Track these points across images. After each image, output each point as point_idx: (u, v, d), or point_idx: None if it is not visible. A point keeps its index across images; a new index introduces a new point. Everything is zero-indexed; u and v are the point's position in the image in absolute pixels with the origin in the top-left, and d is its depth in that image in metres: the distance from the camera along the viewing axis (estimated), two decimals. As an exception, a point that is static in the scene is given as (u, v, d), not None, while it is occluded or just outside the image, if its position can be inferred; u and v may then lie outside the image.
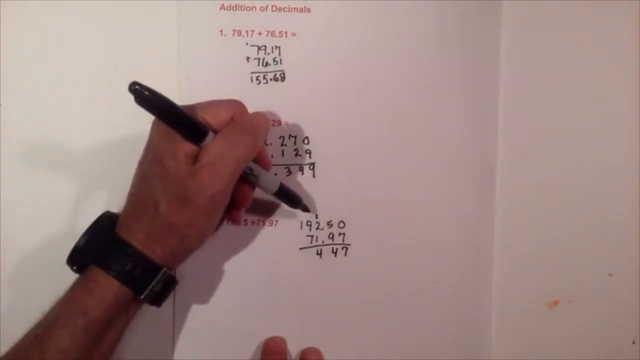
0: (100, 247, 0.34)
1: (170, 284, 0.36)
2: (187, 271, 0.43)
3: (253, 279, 0.43)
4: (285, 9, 0.43)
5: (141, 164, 0.36)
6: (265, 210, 0.43)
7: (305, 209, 0.42)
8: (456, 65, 0.44)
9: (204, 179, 0.33)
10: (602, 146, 0.45)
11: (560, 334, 0.45)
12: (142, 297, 0.35)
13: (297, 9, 0.43)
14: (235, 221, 0.39)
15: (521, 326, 0.45)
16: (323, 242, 0.44)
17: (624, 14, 0.45)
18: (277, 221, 0.43)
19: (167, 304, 0.42)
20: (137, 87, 0.32)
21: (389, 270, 0.44)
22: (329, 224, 0.44)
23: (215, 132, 0.35)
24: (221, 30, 0.43)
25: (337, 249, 0.44)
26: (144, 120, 0.43)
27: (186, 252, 0.36)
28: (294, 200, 0.41)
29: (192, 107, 0.35)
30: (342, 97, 0.44)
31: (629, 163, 0.45)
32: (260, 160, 0.38)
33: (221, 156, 0.34)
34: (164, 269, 0.35)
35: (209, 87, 0.43)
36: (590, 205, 0.45)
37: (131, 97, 0.42)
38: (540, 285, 0.45)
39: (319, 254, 0.44)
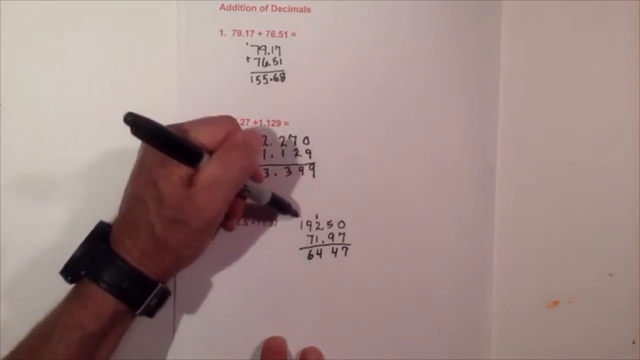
0: (97, 262, 0.34)
1: (164, 296, 0.36)
2: (187, 272, 0.43)
3: (253, 278, 0.43)
4: (285, 9, 0.43)
5: (133, 181, 0.35)
6: (265, 211, 0.43)
7: (295, 214, 0.43)
8: (456, 65, 0.44)
9: (200, 204, 0.33)
10: (602, 146, 0.45)
11: (560, 334, 0.45)
12: (138, 312, 0.35)
13: (297, 9, 0.43)
14: (228, 230, 0.40)
15: (521, 326, 0.45)
16: (323, 242, 0.44)
17: (624, 14, 0.45)
18: (277, 221, 0.43)
19: (167, 304, 0.43)
20: (131, 118, 0.31)
21: (388, 270, 0.44)
22: (329, 224, 0.44)
23: (210, 152, 0.34)
24: (221, 30, 0.43)
25: (337, 249, 0.44)
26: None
27: (180, 268, 0.37)
28: (284, 207, 0.42)
29: (184, 128, 0.35)
30: (342, 97, 0.44)
31: (629, 163, 0.45)
32: (253, 175, 0.38)
33: (217, 180, 0.34)
34: (160, 285, 0.35)
35: (209, 87, 0.43)
36: (590, 205, 0.45)
37: (131, 97, 0.43)
38: (540, 285, 0.45)
39: (319, 254, 0.44)
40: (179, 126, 0.35)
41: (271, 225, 0.43)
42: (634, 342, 0.45)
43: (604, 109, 0.45)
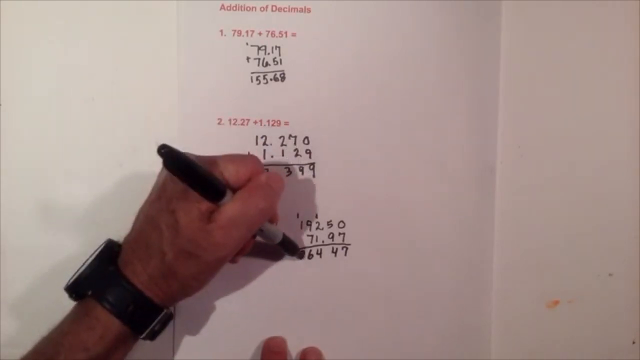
0: (104, 283, 0.34)
1: (167, 321, 0.36)
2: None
3: (253, 279, 0.43)
4: (285, 9, 0.43)
5: (151, 204, 0.35)
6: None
7: (301, 256, 0.43)
8: (456, 65, 0.44)
9: (216, 241, 0.33)
10: (602, 146, 0.45)
11: (560, 334, 0.45)
12: (142, 336, 0.35)
13: (297, 9, 0.43)
14: (232, 262, 0.39)
15: (521, 326, 0.45)
16: (323, 242, 0.44)
17: (624, 14, 0.45)
18: (276, 221, 0.43)
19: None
20: (165, 150, 0.31)
21: (388, 270, 0.44)
22: (329, 224, 0.44)
23: (233, 190, 0.35)
24: (221, 30, 0.43)
25: (337, 249, 0.44)
26: (145, 120, 0.43)
27: (184, 297, 0.36)
28: (293, 249, 0.42)
29: (211, 162, 0.35)
30: (342, 97, 0.44)
31: (629, 163, 0.45)
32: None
33: (236, 220, 0.34)
34: (164, 311, 0.35)
35: (209, 87, 0.43)
36: (590, 205, 0.45)
37: (131, 97, 0.43)
38: (540, 285, 0.45)
39: (319, 253, 0.44)
40: (207, 159, 0.35)
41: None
42: (634, 342, 0.45)
43: (604, 109, 0.45)
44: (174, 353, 0.43)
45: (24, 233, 0.43)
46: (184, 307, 0.43)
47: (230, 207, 0.34)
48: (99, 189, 0.43)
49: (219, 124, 0.43)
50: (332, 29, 0.43)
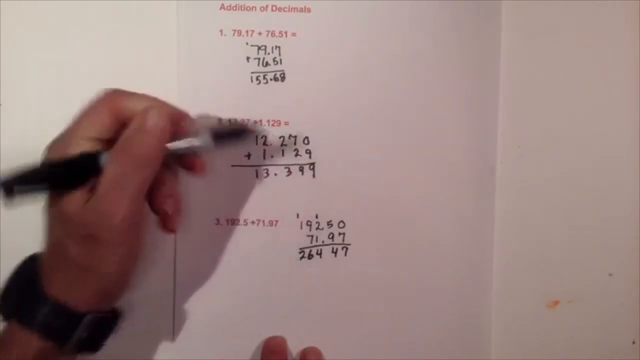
0: (21, 300, 0.32)
1: (103, 326, 0.34)
2: (187, 271, 0.43)
3: (253, 278, 0.43)
4: (285, 9, 0.43)
5: (44, 211, 0.33)
6: (264, 211, 0.43)
7: (253, 131, 0.38)
8: (456, 65, 0.44)
9: (102, 211, 0.30)
10: (602, 146, 0.45)
11: (560, 334, 0.45)
12: (65, 348, 0.32)
13: (297, 9, 0.43)
14: (169, 229, 0.35)
15: (521, 326, 0.45)
16: (323, 242, 0.44)
17: (624, 14, 0.45)
18: (277, 221, 0.43)
19: (167, 304, 0.43)
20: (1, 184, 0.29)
21: (389, 270, 0.44)
22: (329, 224, 0.44)
23: (110, 141, 0.31)
24: (221, 30, 0.43)
25: (337, 249, 0.44)
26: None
27: (114, 292, 0.33)
28: (238, 133, 0.36)
29: (68, 134, 0.32)
30: (342, 97, 0.44)
31: (629, 163, 0.45)
32: (174, 132, 0.33)
33: (116, 181, 0.31)
34: (88, 315, 0.32)
35: (209, 87, 0.43)
36: (590, 205, 0.45)
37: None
38: (540, 285, 0.45)
39: (319, 254, 0.44)
40: (64, 135, 0.32)
41: (271, 225, 0.43)
42: (634, 342, 0.45)
43: (604, 109, 0.45)
44: (173, 354, 0.43)
45: (24, 233, 0.43)
46: (184, 307, 0.43)
47: (105, 172, 0.31)
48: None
49: (219, 124, 0.43)
50: (332, 29, 0.43)
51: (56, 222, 0.32)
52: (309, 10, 0.43)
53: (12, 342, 0.31)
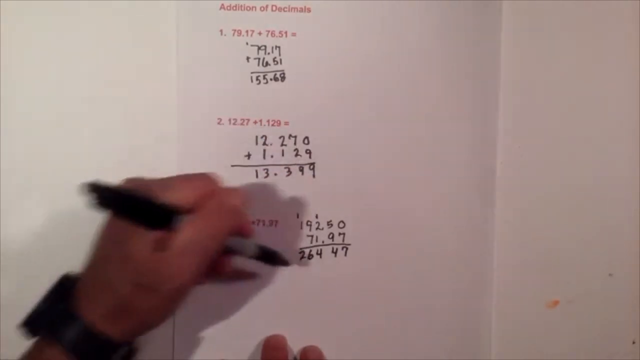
0: (57, 321, 0.32)
1: (129, 356, 0.34)
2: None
3: (253, 278, 0.43)
4: (285, 9, 0.43)
5: (102, 237, 0.33)
6: (264, 211, 0.43)
7: (285, 264, 0.42)
8: (456, 65, 0.44)
9: (172, 270, 0.31)
10: (602, 146, 0.45)
11: (560, 334, 0.45)
12: None
13: (297, 9, 0.43)
14: (206, 283, 0.38)
15: (521, 326, 0.45)
16: (323, 242, 0.44)
17: (624, 14, 0.45)
18: (277, 221, 0.43)
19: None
20: (91, 188, 0.29)
21: (388, 270, 0.44)
22: (329, 224, 0.44)
23: (187, 212, 0.32)
24: (221, 30, 0.43)
25: (337, 249, 0.44)
26: (145, 120, 0.43)
27: (146, 331, 0.34)
28: (273, 260, 0.41)
29: (158, 186, 0.33)
30: (342, 97, 0.44)
31: (629, 163, 0.45)
32: (240, 230, 0.36)
33: (190, 246, 0.32)
34: (122, 347, 0.33)
35: (209, 87, 0.43)
36: (590, 205, 0.45)
37: (131, 97, 0.43)
38: (540, 285, 0.45)
39: (319, 254, 0.44)
40: (158, 182, 0.33)
41: (271, 225, 0.43)
42: (634, 342, 0.45)
43: (604, 109, 0.45)
44: (173, 353, 0.43)
45: (24, 233, 0.43)
46: (184, 307, 0.43)
47: (183, 232, 0.32)
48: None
49: (219, 124, 0.43)
50: (332, 29, 0.43)
51: (115, 259, 0.32)
52: (309, 10, 0.43)
53: None
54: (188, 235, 0.32)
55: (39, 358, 0.33)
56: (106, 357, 0.33)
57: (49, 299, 0.34)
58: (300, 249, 0.44)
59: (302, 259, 0.44)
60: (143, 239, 0.31)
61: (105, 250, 0.33)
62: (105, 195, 0.30)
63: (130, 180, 0.34)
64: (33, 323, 0.34)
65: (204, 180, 0.34)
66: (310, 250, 0.44)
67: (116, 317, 0.32)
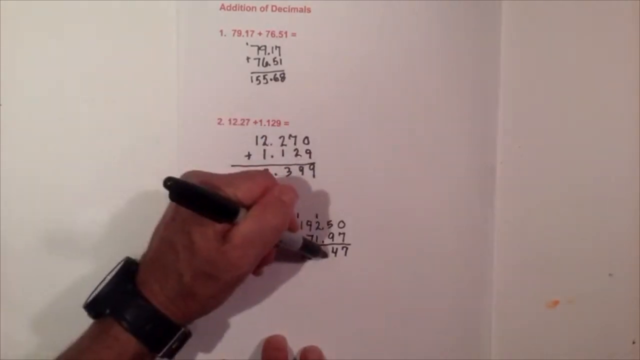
0: (122, 302, 0.35)
1: (185, 339, 0.37)
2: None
3: (253, 278, 0.43)
4: (285, 9, 0.43)
5: (166, 225, 0.35)
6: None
7: (324, 255, 0.43)
8: (456, 65, 0.44)
9: (233, 261, 0.34)
10: (602, 146, 0.45)
11: (560, 334, 0.45)
12: (160, 355, 0.36)
13: (297, 9, 0.43)
14: (255, 275, 0.40)
15: (521, 326, 0.45)
16: (323, 242, 0.44)
17: (624, 14, 0.45)
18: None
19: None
20: (170, 183, 0.31)
21: (388, 270, 0.44)
22: (329, 224, 0.44)
23: (247, 206, 0.35)
24: (221, 30, 0.43)
25: (337, 249, 0.44)
26: (145, 120, 0.43)
27: (203, 314, 0.37)
28: (315, 251, 0.43)
29: (223, 182, 0.35)
30: (342, 97, 0.44)
31: (629, 163, 0.45)
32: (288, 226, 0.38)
33: (251, 238, 0.34)
34: (182, 329, 0.36)
35: (209, 87, 0.43)
36: (590, 205, 0.45)
37: (131, 97, 0.43)
38: (540, 285, 0.45)
39: (319, 254, 0.44)
40: (221, 178, 0.36)
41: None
42: (634, 342, 0.45)
43: (604, 109, 0.45)
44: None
45: (24, 233, 0.43)
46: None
47: (245, 225, 0.34)
48: (98, 189, 0.43)
49: (219, 124, 0.43)
50: (332, 29, 0.43)
51: (180, 246, 0.34)
52: (309, 10, 0.43)
53: (115, 340, 0.34)
54: (248, 228, 0.34)
55: (106, 335, 0.34)
56: (167, 338, 0.35)
57: (114, 281, 0.36)
58: (301, 248, 0.43)
59: (303, 259, 0.44)
60: (208, 230, 0.33)
61: (171, 238, 0.35)
62: (178, 190, 0.32)
63: (194, 174, 0.36)
64: (99, 303, 0.36)
65: (263, 177, 0.37)
66: (310, 250, 0.44)
67: (179, 301, 0.35)
